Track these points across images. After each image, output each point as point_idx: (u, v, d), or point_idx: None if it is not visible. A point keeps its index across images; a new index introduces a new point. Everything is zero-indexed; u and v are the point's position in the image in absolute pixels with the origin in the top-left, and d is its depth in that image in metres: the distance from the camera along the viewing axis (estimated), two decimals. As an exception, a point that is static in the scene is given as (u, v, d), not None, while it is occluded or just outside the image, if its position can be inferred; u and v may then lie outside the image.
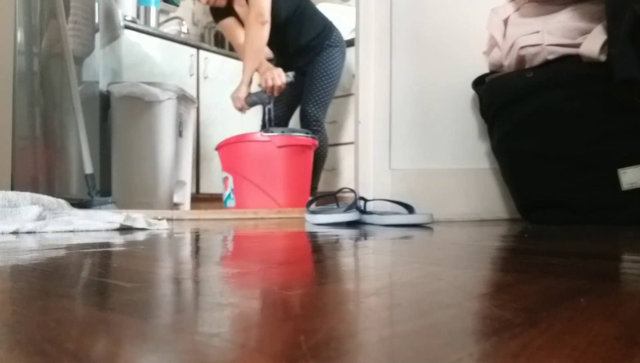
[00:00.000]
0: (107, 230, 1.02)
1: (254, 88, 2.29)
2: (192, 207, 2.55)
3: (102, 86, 2.14)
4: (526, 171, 1.25)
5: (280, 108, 2.41)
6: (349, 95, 2.67)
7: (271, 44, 2.31)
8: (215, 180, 2.88)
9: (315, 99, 2.29)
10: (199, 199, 2.81)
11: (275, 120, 2.38)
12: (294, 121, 2.49)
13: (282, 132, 2.04)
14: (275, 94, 2.20)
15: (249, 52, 2.14)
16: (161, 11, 3.11)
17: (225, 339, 0.22)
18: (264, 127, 2.30)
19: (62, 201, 1.26)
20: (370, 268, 0.47)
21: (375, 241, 0.75)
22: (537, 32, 1.21)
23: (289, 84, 2.21)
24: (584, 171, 1.16)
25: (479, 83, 1.38)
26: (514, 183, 1.31)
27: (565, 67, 1.17)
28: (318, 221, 1.22)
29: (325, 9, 2.93)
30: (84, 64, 2.00)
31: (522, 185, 1.28)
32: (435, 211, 1.24)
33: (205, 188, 2.89)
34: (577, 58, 1.15)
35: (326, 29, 2.34)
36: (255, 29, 2.10)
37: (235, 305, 0.29)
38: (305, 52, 2.33)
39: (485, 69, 1.41)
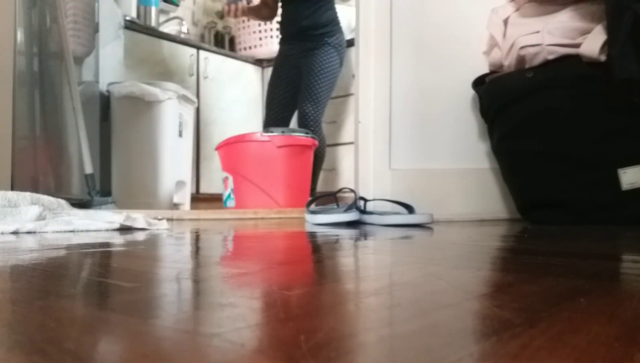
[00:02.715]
0: (107, 230, 1.02)
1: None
2: (192, 207, 2.55)
3: (102, 86, 2.14)
4: (526, 171, 1.25)
5: (276, 109, 2.43)
6: (349, 95, 2.67)
7: (281, 14, 2.42)
8: (215, 180, 2.88)
9: (313, 97, 2.28)
10: (199, 199, 2.80)
11: (271, 121, 2.40)
12: (293, 123, 2.50)
13: (282, 132, 2.04)
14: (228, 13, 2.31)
15: None
16: (161, 11, 3.11)
17: (225, 339, 0.22)
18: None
19: (62, 201, 1.26)
20: (370, 268, 0.47)
21: (375, 241, 0.75)
22: (537, 32, 1.21)
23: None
24: (584, 171, 1.16)
25: (479, 83, 1.38)
26: (514, 183, 1.31)
27: (565, 67, 1.17)
28: (318, 221, 1.22)
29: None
30: (84, 64, 2.00)
31: (522, 185, 1.28)
32: (435, 211, 1.24)
33: (205, 188, 2.89)
34: (577, 58, 1.15)
35: (331, 26, 2.36)
36: None
37: (235, 305, 0.29)
38: (303, 37, 2.35)
39: (485, 69, 1.41)
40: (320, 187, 2.74)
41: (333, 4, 2.39)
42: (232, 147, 2.08)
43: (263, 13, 2.59)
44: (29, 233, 0.94)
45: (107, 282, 0.38)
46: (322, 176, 2.78)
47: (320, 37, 2.32)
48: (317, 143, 2.19)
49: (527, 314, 0.27)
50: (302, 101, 2.30)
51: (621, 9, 1.01)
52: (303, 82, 2.32)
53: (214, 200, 2.84)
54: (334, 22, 2.37)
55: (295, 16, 2.36)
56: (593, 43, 1.11)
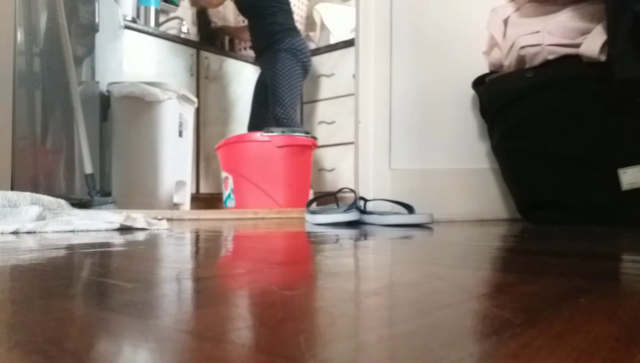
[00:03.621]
0: (107, 230, 1.02)
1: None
2: (192, 207, 2.55)
3: (102, 86, 2.14)
4: (526, 171, 1.25)
5: (253, 120, 2.55)
6: (349, 95, 2.67)
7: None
8: (215, 180, 2.88)
9: (277, 99, 2.36)
10: (199, 199, 2.80)
11: (252, 125, 2.55)
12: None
13: (282, 132, 2.04)
14: None
15: None
16: (161, 11, 3.10)
17: (225, 339, 0.22)
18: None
19: (62, 201, 1.26)
20: (370, 268, 0.47)
21: (375, 241, 0.75)
22: (537, 32, 1.21)
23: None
24: (584, 171, 1.16)
25: (479, 83, 1.38)
26: (514, 182, 1.31)
27: (565, 67, 1.17)
28: (318, 221, 1.22)
29: (325, 9, 2.93)
30: (84, 64, 2.00)
31: (522, 185, 1.28)
32: (435, 211, 1.24)
33: (205, 188, 2.89)
34: (577, 58, 1.15)
35: (280, 34, 2.43)
36: None
37: (235, 305, 0.29)
38: (258, 52, 2.54)
39: (485, 69, 1.41)
40: (320, 187, 2.74)
41: (281, 13, 2.46)
42: (232, 147, 2.08)
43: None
44: (29, 233, 0.94)
45: (107, 282, 0.38)
46: (322, 176, 2.78)
47: (271, 47, 2.42)
48: (317, 143, 2.19)
49: (527, 314, 0.27)
50: (271, 107, 2.41)
51: (621, 9, 1.01)
52: (269, 92, 2.43)
53: (214, 200, 2.84)
54: (281, 30, 2.44)
55: (250, 32, 2.56)
56: (593, 43, 1.11)
